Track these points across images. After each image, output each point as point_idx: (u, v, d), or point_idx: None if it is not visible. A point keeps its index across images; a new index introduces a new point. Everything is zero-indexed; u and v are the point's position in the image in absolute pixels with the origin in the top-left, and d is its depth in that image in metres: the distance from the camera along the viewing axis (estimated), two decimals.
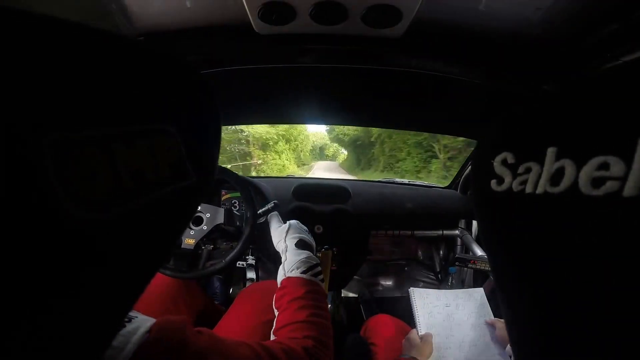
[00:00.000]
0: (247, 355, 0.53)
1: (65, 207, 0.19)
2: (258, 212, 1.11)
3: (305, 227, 1.02)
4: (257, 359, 0.53)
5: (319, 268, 0.85)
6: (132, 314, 0.45)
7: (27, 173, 0.17)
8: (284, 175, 2.18)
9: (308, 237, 0.95)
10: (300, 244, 0.90)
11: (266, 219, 1.12)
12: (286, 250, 0.89)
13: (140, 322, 0.44)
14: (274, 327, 0.71)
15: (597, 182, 0.23)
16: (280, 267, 0.86)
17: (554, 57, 0.80)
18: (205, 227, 1.21)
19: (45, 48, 0.19)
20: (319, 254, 1.28)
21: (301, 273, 0.80)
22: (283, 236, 0.94)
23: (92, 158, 0.21)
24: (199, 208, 1.23)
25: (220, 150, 0.39)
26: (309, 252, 0.88)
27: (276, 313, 0.75)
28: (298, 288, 0.77)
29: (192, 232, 1.20)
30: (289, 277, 0.80)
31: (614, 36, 0.68)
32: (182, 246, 1.18)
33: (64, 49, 0.20)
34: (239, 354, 0.52)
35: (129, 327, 0.42)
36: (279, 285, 0.82)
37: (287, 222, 1.00)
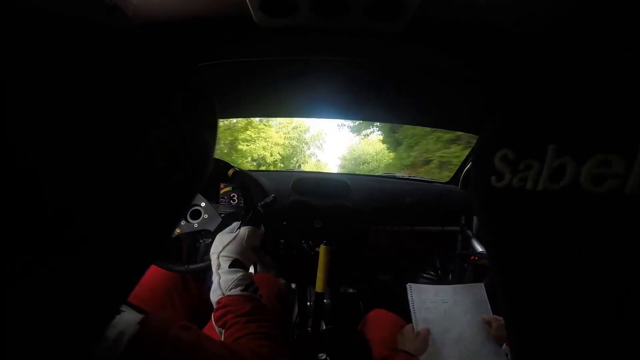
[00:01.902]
0: (225, 356, 0.55)
1: (58, 199, 0.20)
2: (257, 205, 1.10)
3: (256, 242, 0.97)
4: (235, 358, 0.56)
5: (255, 285, 0.85)
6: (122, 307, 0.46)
7: (20, 165, 0.18)
8: (283, 169, 2.19)
9: (247, 259, 0.92)
10: (234, 265, 0.87)
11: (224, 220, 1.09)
12: (218, 269, 0.87)
13: (130, 315, 0.45)
14: None
15: (598, 179, 0.23)
16: (214, 285, 0.84)
17: (556, 53, 0.80)
18: (196, 226, 1.21)
19: (40, 42, 0.19)
20: (318, 249, 1.28)
21: (241, 291, 0.80)
22: (218, 250, 0.91)
23: (86, 151, 0.21)
24: (202, 204, 1.23)
25: None
26: (243, 271, 0.87)
27: (219, 331, 0.76)
28: (242, 305, 0.77)
29: (182, 223, 1.20)
30: (229, 296, 0.80)
31: (617, 32, 0.68)
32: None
33: (59, 43, 0.20)
34: (219, 353, 0.54)
35: (119, 319, 0.43)
36: (215, 305, 0.81)
37: (237, 231, 0.95)
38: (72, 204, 0.20)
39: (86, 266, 0.23)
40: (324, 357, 1.24)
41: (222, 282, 0.83)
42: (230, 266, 0.86)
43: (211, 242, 1.26)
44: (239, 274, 0.84)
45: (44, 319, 0.21)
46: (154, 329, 0.45)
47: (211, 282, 0.84)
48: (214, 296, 0.83)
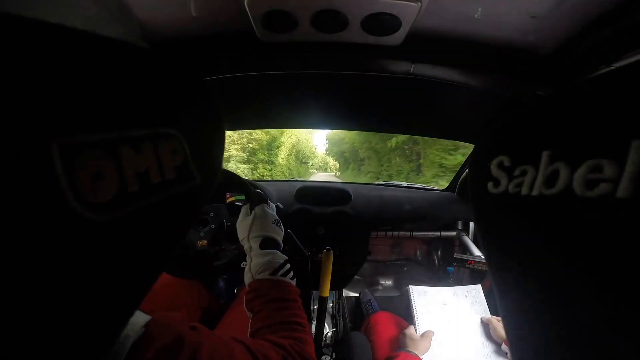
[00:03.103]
0: (239, 352, 0.53)
1: (72, 208, 0.20)
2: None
3: (274, 215, 0.96)
4: (250, 356, 0.53)
5: (288, 266, 0.83)
6: None
7: (35, 175, 0.18)
8: (287, 179, 2.19)
9: (274, 232, 0.90)
10: (265, 244, 0.86)
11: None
12: (250, 251, 0.86)
13: (137, 317, 0.43)
14: (249, 330, 0.71)
15: (590, 184, 0.24)
16: (246, 268, 0.84)
17: (548, 63, 0.81)
18: (213, 226, 1.23)
19: (54, 55, 0.20)
20: (321, 255, 1.30)
21: (270, 275, 0.79)
22: (246, 234, 0.89)
23: (99, 161, 0.22)
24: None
25: None
26: (275, 250, 0.86)
27: (249, 315, 0.75)
28: (270, 290, 0.76)
29: (202, 234, 1.22)
30: (258, 280, 0.79)
31: (606, 43, 0.70)
32: (197, 249, 1.20)
33: (72, 56, 0.21)
34: (231, 350, 0.52)
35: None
36: (247, 288, 0.81)
37: (252, 212, 0.93)
38: (82, 214, 0.21)
39: (99, 277, 0.23)
40: None
41: (252, 265, 0.82)
42: (262, 246, 0.85)
43: (219, 249, 1.28)
44: (269, 257, 0.83)
45: (54, 329, 0.21)
46: (159, 332, 0.43)
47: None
48: (246, 279, 0.82)
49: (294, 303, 0.76)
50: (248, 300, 0.77)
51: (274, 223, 0.93)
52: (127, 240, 0.25)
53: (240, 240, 0.92)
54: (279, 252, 0.86)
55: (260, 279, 0.79)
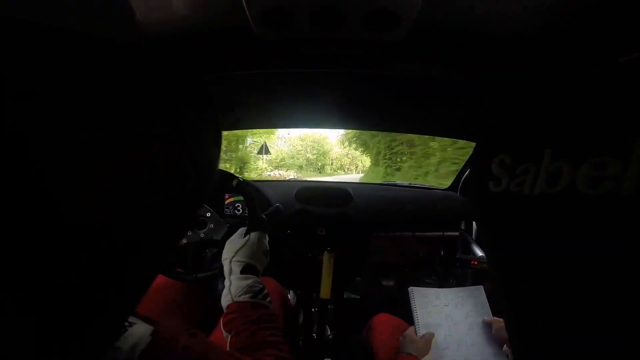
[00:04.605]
0: None
1: (64, 208, 0.19)
2: (262, 214, 1.11)
3: (266, 245, 0.98)
4: None
5: (266, 291, 0.86)
6: (131, 318, 0.45)
7: (24, 173, 0.17)
8: (287, 179, 2.18)
9: (259, 262, 0.93)
10: (246, 270, 0.88)
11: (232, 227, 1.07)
12: (230, 274, 0.88)
13: (142, 327, 0.45)
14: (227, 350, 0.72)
15: (594, 182, 0.24)
16: (225, 290, 0.85)
17: (551, 59, 0.81)
18: (202, 235, 1.22)
19: (47, 54, 0.19)
20: (322, 257, 1.29)
21: (250, 298, 0.81)
22: (230, 256, 0.91)
23: (92, 160, 0.21)
24: (208, 214, 1.24)
25: None
26: (255, 277, 0.88)
27: (226, 336, 0.76)
28: (250, 312, 0.78)
29: (189, 233, 1.21)
30: (238, 302, 0.81)
31: (610, 37, 0.69)
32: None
33: (66, 55, 0.21)
34: None
35: (132, 331, 0.42)
36: (225, 309, 0.82)
37: (247, 236, 0.95)
38: (77, 214, 0.20)
39: (95, 278, 0.23)
40: None
41: (232, 287, 0.83)
42: (242, 271, 0.87)
43: (217, 252, 1.27)
44: (250, 280, 0.84)
45: (53, 330, 0.21)
46: (166, 340, 0.45)
47: (219, 289, 0.85)
48: (224, 301, 0.83)
49: (273, 324, 0.78)
50: (227, 322, 0.78)
51: (264, 254, 0.95)
52: (122, 240, 0.25)
53: (222, 259, 0.93)
54: (258, 278, 0.88)
55: (240, 301, 0.81)
